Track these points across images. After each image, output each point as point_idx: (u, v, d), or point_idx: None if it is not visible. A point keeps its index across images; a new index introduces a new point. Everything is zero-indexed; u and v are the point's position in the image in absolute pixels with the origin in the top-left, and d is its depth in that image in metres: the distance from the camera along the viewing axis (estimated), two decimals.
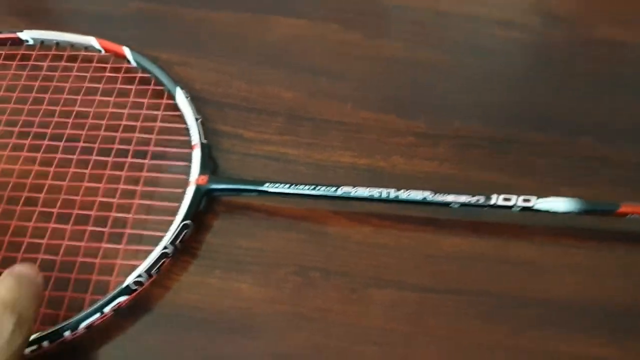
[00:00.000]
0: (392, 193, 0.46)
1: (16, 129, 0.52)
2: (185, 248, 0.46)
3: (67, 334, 0.42)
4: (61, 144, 0.52)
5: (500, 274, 0.45)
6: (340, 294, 0.45)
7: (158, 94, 0.54)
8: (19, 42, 0.57)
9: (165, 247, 0.45)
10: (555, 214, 0.45)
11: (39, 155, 0.51)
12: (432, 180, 0.49)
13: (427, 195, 0.45)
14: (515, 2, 0.60)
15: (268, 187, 0.47)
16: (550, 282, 0.45)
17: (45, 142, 0.52)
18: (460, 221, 0.47)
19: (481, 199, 0.45)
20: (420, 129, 0.53)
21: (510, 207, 0.45)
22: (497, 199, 0.45)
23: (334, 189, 0.46)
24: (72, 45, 0.57)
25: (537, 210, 0.45)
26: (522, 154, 0.51)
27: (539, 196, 0.45)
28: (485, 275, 0.45)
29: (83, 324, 0.42)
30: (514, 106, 0.53)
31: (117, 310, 0.43)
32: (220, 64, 0.57)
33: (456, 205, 0.45)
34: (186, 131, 0.51)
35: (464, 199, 0.45)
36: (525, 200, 0.45)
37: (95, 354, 0.43)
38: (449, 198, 0.45)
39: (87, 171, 0.50)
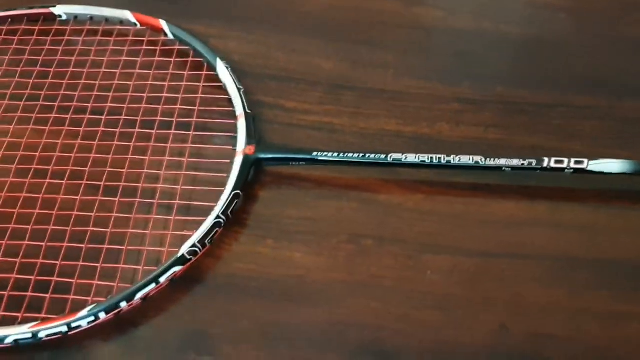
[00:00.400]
0: (444, 159, 0.45)
1: (56, 104, 0.52)
2: (235, 219, 0.46)
3: (123, 304, 0.42)
4: (103, 117, 0.51)
5: (555, 237, 0.45)
6: (395, 261, 0.44)
7: (198, 66, 0.54)
8: (52, 17, 0.57)
9: (217, 217, 0.45)
10: (607, 175, 0.44)
11: (81, 129, 0.51)
12: (479, 146, 0.49)
13: (479, 159, 0.45)
14: None
15: (317, 156, 0.47)
16: (605, 243, 0.45)
17: (87, 116, 0.51)
18: (512, 186, 0.47)
19: (533, 162, 0.45)
20: (464, 95, 0.53)
21: (562, 170, 0.45)
22: (549, 162, 0.45)
23: (383, 156, 0.46)
24: (107, 20, 0.57)
25: (590, 172, 0.44)
26: (568, 117, 0.51)
27: (590, 159, 0.44)
28: (540, 238, 0.45)
29: (139, 295, 0.42)
30: (556, 71, 0.54)
31: (172, 280, 0.43)
32: (257, 35, 0.57)
33: (508, 169, 0.45)
34: (229, 102, 0.51)
35: (516, 162, 0.45)
36: (578, 162, 0.45)
37: (152, 324, 0.43)
38: (501, 162, 0.45)
39: (131, 144, 0.50)
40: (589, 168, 0.45)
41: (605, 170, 0.44)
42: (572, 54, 0.55)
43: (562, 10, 0.57)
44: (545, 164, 0.45)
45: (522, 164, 0.45)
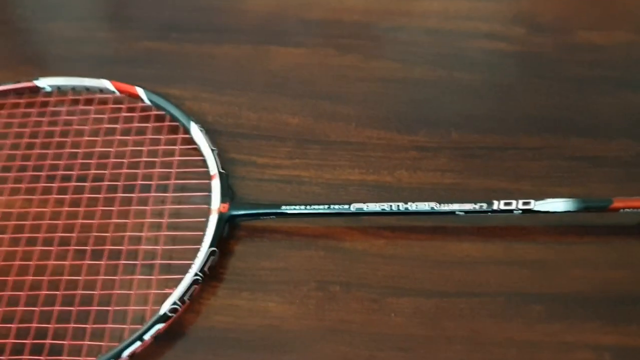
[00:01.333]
0: (401, 206, 0.49)
1: (43, 173, 0.56)
2: (212, 273, 0.49)
3: None
4: (87, 183, 0.55)
5: (508, 274, 0.48)
6: (361, 305, 0.47)
7: (173, 130, 0.57)
8: (36, 89, 0.61)
9: (195, 275, 0.48)
10: (554, 214, 0.48)
11: (67, 196, 0.54)
12: (436, 190, 0.53)
13: (434, 205, 0.49)
14: (499, 14, 0.63)
15: (286, 209, 0.50)
16: (554, 278, 0.48)
17: (73, 183, 0.55)
18: (466, 228, 0.50)
19: (484, 206, 0.48)
20: (421, 142, 0.56)
21: (511, 211, 0.48)
22: (498, 205, 0.48)
23: (347, 206, 0.49)
24: (88, 89, 0.60)
25: (537, 212, 0.48)
26: (518, 159, 0.54)
27: (537, 199, 0.48)
28: (494, 276, 0.48)
29: (125, 353, 0.45)
30: (506, 114, 0.57)
31: (156, 337, 0.46)
32: (228, 96, 0.60)
33: (461, 213, 0.48)
34: (203, 162, 0.54)
35: (468, 207, 0.48)
36: (525, 204, 0.48)
37: None
38: (454, 207, 0.48)
39: (114, 208, 0.53)
40: (536, 208, 0.48)
41: (551, 210, 0.48)
42: (521, 96, 0.58)
43: (510, 56, 0.60)
44: (495, 207, 0.49)
45: (474, 208, 0.48)
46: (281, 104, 0.59)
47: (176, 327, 0.47)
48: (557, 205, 0.48)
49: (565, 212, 0.48)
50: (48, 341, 0.47)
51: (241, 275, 0.50)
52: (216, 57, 0.63)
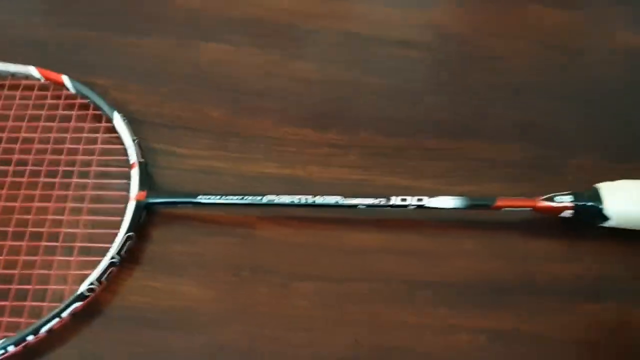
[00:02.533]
0: (310, 199, 0.53)
1: None
2: (131, 257, 0.52)
3: (30, 338, 0.47)
4: (10, 168, 0.56)
5: (400, 263, 0.52)
6: (269, 289, 0.51)
7: (97, 118, 0.59)
8: None
9: (112, 257, 0.50)
10: (444, 210, 0.52)
11: None
12: (344, 185, 0.56)
13: (339, 199, 0.53)
14: (412, 23, 0.67)
15: (201, 199, 0.53)
16: (441, 267, 0.52)
17: None
18: (366, 220, 0.54)
19: (382, 201, 0.53)
20: (332, 140, 0.59)
21: (406, 206, 0.53)
22: (395, 200, 0.53)
23: (259, 197, 0.53)
24: (13, 75, 0.62)
25: (429, 208, 0.52)
26: (419, 158, 0.58)
27: (431, 196, 0.52)
28: (388, 264, 0.52)
29: (44, 329, 0.47)
30: (411, 117, 0.60)
31: (74, 315, 0.49)
32: (153, 86, 0.62)
33: (362, 207, 0.53)
34: (124, 151, 0.57)
35: (368, 201, 0.53)
36: (419, 200, 0.52)
37: (56, 353, 0.48)
38: (356, 201, 0.53)
39: (37, 192, 0.55)
40: (428, 205, 0.52)
41: (441, 206, 0.52)
42: (425, 100, 0.61)
43: (419, 62, 0.64)
44: (392, 202, 0.53)
45: (374, 203, 0.52)
46: (204, 97, 0.61)
47: (94, 306, 0.50)
48: (446, 202, 0.52)
49: (453, 208, 0.52)
50: None
51: (158, 259, 0.53)
52: (140, 48, 0.65)
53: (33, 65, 0.62)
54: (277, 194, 0.53)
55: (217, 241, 0.53)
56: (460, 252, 0.53)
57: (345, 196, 0.53)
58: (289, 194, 0.53)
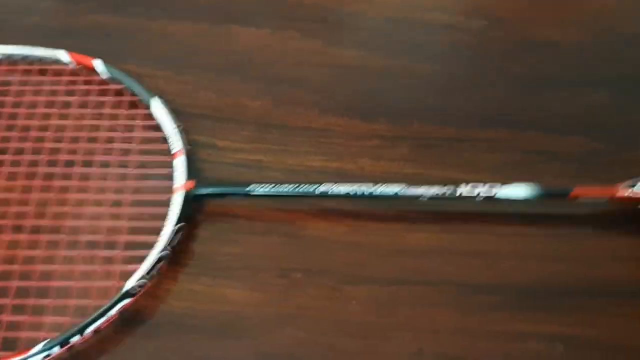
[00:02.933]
0: (367, 190, 0.49)
1: None
2: (173, 257, 0.49)
3: (75, 338, 0.44)
4: (43, 157, 0.53)
5: (461, 265, 0.49)
6: (321, 292, 0.48)
7: (133, 105, 0.55)
8: None
9: (162, 250, 0.47)
10: (515, 201, 0.49)
11: (21, 169, 0.52)
12: (398, 179, 0.52)
13: (400, 189, 0.49)
14: (459, 7, 0.64)
15: (252, 190, 0.49)
16: (504, 268, 0.49)
17: (28, 156, 0.53)
18: (425, 218, 0.51)
19: (449, 191, 0.49)
20: (382, 131, 0.56)
21: (474, 197, 0.49)
22: (464, 190, 0.49)
23: (312, 188, 0.49)
24: (41, 60, 0.58)
25: (499, 199, 0.49)
26: (475, 150, 0.54)
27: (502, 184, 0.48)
28: (448, 266, 0.49)
29: (90, 328, 0.44)
30: (463, 106, 0.57)
31: (122, 313, 0.45)
32: (186, 75, 0.59)
33: (425, 198, 0.49)
34: (164, 139, 0.53)
35: (432, 191, 0.49)
36: (490, 187, 0.49)
37: None
38: (420, 191, 0.49)
39: (72, 183, 0.52)
40: (498, 195, 0.49)
41: (514, 196, 0.49)
42: (478, 88, 0.58)
43: (468, 48, 0.61)
44: (459, 192, 0.49)
45: (439, 193, 0.49)
46: (241, 85, 0.58)
47: (135, 312, 0.47)
48: (519, 191, 0.49)
49: (526, 199, 0.49)
50: (5, 317, 0.45)
51: (201, 260, 0.49)
52: (172, 34, 0.61)
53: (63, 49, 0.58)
54: (334, 183, 0.49)
55: (265, 241, 0.50)
56: (525, 253, 0.50)
57: (408, 185, 0.49)
58: (345, 183, 0.49)
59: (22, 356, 0.42)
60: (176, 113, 0.55)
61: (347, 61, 0.60)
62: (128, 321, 0.46)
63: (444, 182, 0.51)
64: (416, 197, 0.49)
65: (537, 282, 0.48)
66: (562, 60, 0.60)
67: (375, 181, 0.51)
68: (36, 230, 0.49)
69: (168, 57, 0.60)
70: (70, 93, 0.56)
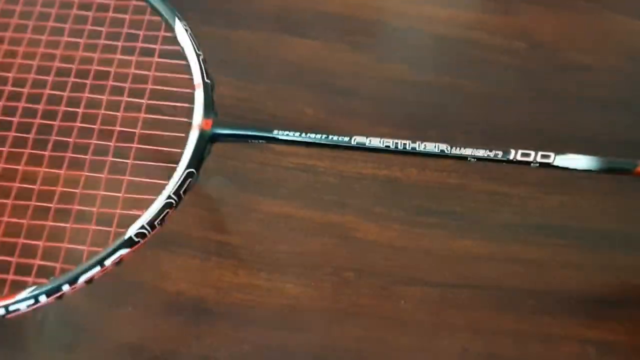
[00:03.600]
0: (409, 145, 0.45)
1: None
2: (233, 254, 0.49)
3: (65, 287, 0.39)
4: (49, 78, 0.48)
5: (505, 271, 0.49)
6: (372, 291, 0.49)
7: (155, 26, 0.50)
8: None
9: (169, 197, 0.42)
10: (574, 171, 0.45)
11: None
12: (442, 189, 0.53)
13: (445, 147, 0.45)
14: (500, 29, 0.64)
15: (277, 134, 0.45)
16: (546, 276, 0.49)
17: (31, 75, 0.48)
18: (470, 226, 0.51)
19: (499, 154, 0.44)
20: None
21: (529, 163, 0.44)
22: (515, 154, 0.44)
23: (347, 138, 0.45)
24: None
25: (556, 167, 0.44)
26: (516, 165, 0.50)
27: (557, 153, 0.45)
28: (493, 271, 0.50)
29: (82, 278, 0.39)
30: (506, 124, 0.57)
31: (118, 263, 0.41)
32: (244, 81, 0.58)
33: (473, 160, 0.44)
34: (187, 68, 0.48)
35: (481, 153, 0.44)
36: (544, 157, 0.44)
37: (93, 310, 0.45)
38: (467, 152, 0.44)
39: (79, 110, 0.47)
40: (555, 162, 0.44)
41: (571, 166, 0.44)
42: (519, 107, 0.58)
43: (511, 67, 0.61)
44: (511, 156, 0.45)
45: (488, 155, 0.44)
46: (295, 94, 0.58)
47: (199, 303, 0.47)
48: (578, 161, 0.44)
49: (585, 170, 0.44)
50: None
51: (259, 257, 0.50)
52: (230, 41, 0.60)
53: None
54: (368, 137, 0.46)
55: (318, 241, 0.51)
56: (564, 263, 0.50)
57: (452, 145, 0.45)
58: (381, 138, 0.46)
59: (6, 301, 0.39)
60: (234, 118, 0.51)
61: (396, 75, 0.60)
62: (194, 309, 0.47)
63: (486, 194, 0.53)
64: (464, 158, 0.45)
65: (572, 289, 0.50)
66: (595, 84, 0.60)
67: (421, 190, 0.53)
68: (35, 161, 0.45)
69: (226, 63, 0.57)
70: (85, 7, 0.51)
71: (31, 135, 0.46)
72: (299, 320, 0.48)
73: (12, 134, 0.45)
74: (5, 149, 0.45)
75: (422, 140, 0.45)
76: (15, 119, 0.46)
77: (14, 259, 0.41)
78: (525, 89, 0.60)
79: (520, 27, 0.64)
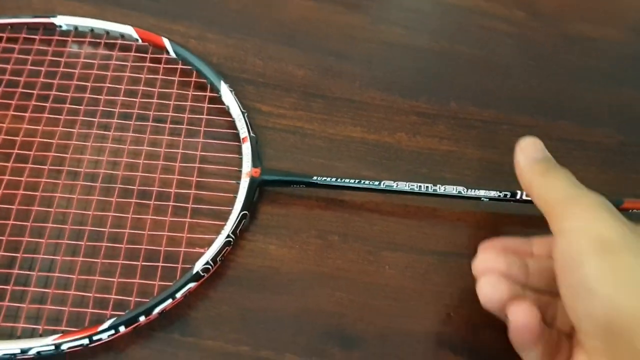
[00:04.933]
0: (430, 187, 0.50)
1: (61, 117, 0.55)
2: (214, 212, 0.51)
3: (142, 318, 0.45)
4: (110, 133, 0.54)
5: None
6: (358, 255, 0.50)
7: (201, 87, 0.56)
8: (52, 27, 0.58)
9: (228, 237, 0.48)
10: None
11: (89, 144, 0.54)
12: (433, 155, 0.56)
13: (461, 189, 0.50)
14: None
15: (316, 180, 0.51)
16: None
17: (94, 131, 0.54)
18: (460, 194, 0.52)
19: (508, 194, 0.50)
20: (421, 108, 0.58)
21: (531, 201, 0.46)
22: (521, 195, 0.50)
23: (377, 182, 0.50)
24: (108, 33, 0.58)
25: None
26: (511, 134, 0.56)
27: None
28: (480, 240, 0.49)
29: (157, 309, 0.45)
30: (502, 91, 0.59)
31: (186, 296, 0.47)
32: (234, 39, 0.60)
33: (486, 200, 0.50)
34: (232, 124, 0.54)
35: (493, 194, 0.50)
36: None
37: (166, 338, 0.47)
38: (480, 193, 0.50)
39: (140, 161, 0.53)
40: None
41: None
42: (516, 76, 0.60)
43: (509, 36, 0.63)
44: (518, 197, 0.51)
45: (499, 196, 0.50)
46: (287, 54, 0.59)
47: (177, 261, 0.49)
48: None
49: None
50: (71, 292, 0.47)
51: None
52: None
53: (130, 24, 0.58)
54: (396, 181, 0.51)
55: (304, 204, 0.53)
56: None
57: (468, 187, 0.51)
58: (407, 181, 0.51)
59: (91, 332, 0.43)
60: (223, 77, 0.57)
61: (391, 38, 0.62)
62: (172, 269, 0.48)
63: (477, 162, 0.55)
64: (477, 198, 0.50)
65: None
66: (597, 56, 0.62)
67: (412, 155, 0.55)
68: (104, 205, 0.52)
69: (217, 21, 0.61)
70: (137, 70, 0.57)
71: (97, 184, 0.51)
72: (281, 282, 0.48)
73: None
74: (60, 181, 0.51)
75: (442, 184, 0.51)
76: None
77: (91, 294, 0.46)
78: (522, 57, 0.61)
79: None
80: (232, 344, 0.46)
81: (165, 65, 0.57)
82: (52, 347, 0.43)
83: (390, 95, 0.58)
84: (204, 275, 0.47)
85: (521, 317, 0.41)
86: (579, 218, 0.39)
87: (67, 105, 0.55)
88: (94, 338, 0.43)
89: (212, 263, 0.47)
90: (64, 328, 0.45)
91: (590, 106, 0.59)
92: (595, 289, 0.36)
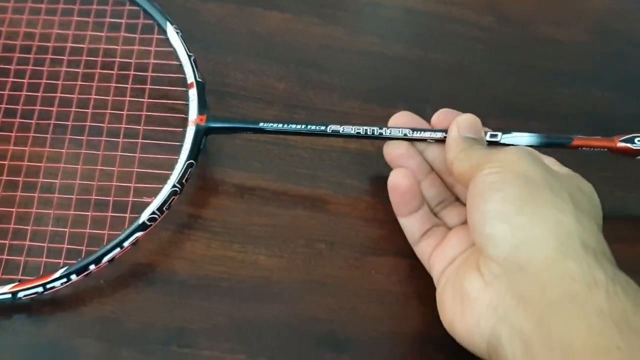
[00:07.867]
0: (376, 131, 0.51)
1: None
2: (205, 227, 0.51)
3: (92, 267, 0.46)
4: (60, 82, 0.54)
5: None
6: (345, 262, 0.51)
7: (148, 29, 0.55)
8: None
9: (173, 186, 0.48)
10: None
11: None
12: None
13: (407, 131, 0.51)
14: (469, 3, 0.66)
15: (263, 126, 0.51)
16: None
17: (44, 80, 0.54)
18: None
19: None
20: None
21: None
22: None
23: (323, 127, 0.51)
24: None
25: (503, 144, 0.50)
26: None
27: (504, 132, 0.50)
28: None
29: (105, 258, 0.46)
30: (475, 96, 0.60)
31: (134, 244, 0.47)
32: (214, 54, 0.59)
33: (432, 141, 0.50)
34: (180, 68, 0.53)
35: (439, 135, 0.50)
36: (492, 136, 0.50)
37: (137, 322, 0.48)
38: (426, 135, 0.50)
39: (89, 111, 0.53)
40: (502, 141, 0.50)
41: (516, 143, 0.50)
42: (489, 81, 0.60)
43: (481, 41, 0.63)
44: None
45: (444, 136, 0.49)
46: (267, 67, 0.59)
47: (172, 274, 0.49)
48: (521, 139, 0.50)
49: (528, 145, 0.50)
50: (27, 242, 0.49)
51: (232, 230, 0.52)
52: (199, 12, 0.62)
53: None
54: (342, 125, 0.51)
55: (290, 214, 0.53)
56: None
57: (413, 130, 0.50)
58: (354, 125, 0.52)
59: (44, 280, 0.45)
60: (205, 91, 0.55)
61: (367, 48, 0.62)
62: (166, 283, 0.49)
63: None
64: (423, 140, 0.51)
65: None
66: (564, 58, 0.63)
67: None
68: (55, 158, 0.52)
69: (196, 36, 0.59)
70: (84, 13, 0.57)
71: (49, 135, 0.52)
72: (272, 291, 0.49)
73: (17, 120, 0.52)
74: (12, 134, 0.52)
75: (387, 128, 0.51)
76: (19, 107, 0.52)
77: (45, 244, 0.47)
78: (495, 62, 0.62)
79: (490, 1, 0.66)
80: (228, 353, 0.47)
81: (112, 8, 0.56)
82: (10, 295, 0.45)
83: (369, 104, 0.58)
84: (150, 225, 0.47)
85: (399, 176, 0.47)
86: (503, 159, 0.42)
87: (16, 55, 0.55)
88: (48, 286, 0.45)
89: (158, 213, 0.47)
90: (20, 277, 0.46)
91: (559, 108, 0.60)
92: (510, 217, 0.39)
